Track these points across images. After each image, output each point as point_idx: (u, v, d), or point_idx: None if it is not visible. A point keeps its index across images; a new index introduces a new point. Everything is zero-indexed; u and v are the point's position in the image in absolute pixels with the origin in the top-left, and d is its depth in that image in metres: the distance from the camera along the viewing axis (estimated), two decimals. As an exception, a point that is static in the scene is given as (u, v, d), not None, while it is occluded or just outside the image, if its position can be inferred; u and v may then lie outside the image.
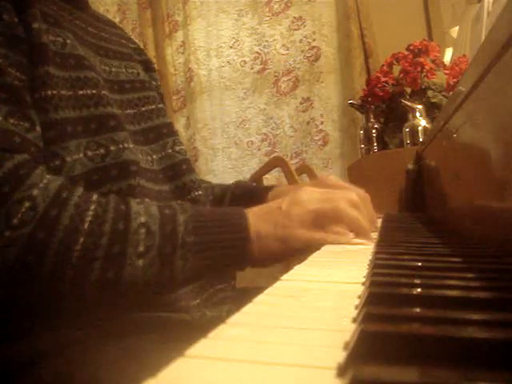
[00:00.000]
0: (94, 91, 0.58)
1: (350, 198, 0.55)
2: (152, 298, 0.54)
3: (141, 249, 0.46)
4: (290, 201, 0.54)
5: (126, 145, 0.58)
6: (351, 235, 0.53)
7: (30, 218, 0.43)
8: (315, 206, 0.54)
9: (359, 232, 0.54)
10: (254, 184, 1.06)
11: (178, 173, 0.70)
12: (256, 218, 0.52)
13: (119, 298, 0.49)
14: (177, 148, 0.72)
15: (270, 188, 0.78)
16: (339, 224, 0.53)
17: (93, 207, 0.47)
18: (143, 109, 0.71)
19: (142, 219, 0.48)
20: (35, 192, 0.45)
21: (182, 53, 2.65)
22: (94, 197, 0.48)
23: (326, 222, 0.53)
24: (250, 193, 0.79)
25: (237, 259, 0.51)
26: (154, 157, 0.68)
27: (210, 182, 0.89)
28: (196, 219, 0.50)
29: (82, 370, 0.46)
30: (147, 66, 0.83)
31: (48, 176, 0.47)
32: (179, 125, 2.61)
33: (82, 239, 0.44)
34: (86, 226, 0.45)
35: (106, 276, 0.45)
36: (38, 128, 0.51)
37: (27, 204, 0.44)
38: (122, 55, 0.73)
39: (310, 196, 0.55)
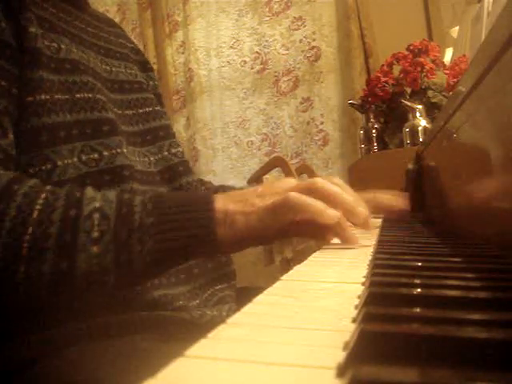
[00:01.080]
0: (89, 95, 0.58)
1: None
2: (133, 295, 0.52)
3: (95, 235, 0.43)
4: (268, 185, 0.52)
5: (119, 150, 0.58)
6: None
7: None
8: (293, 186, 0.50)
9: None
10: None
11: (175, 175, 0.70)
12: (226, 197, 0.48)
13: (80, 294, 0.44)
14: (173, 150, 0.72)
15: None
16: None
17: (43, 195, 0.44)
18: (141, 110, 0.71)
19: (97, 204, 0.44)
20: None
21: (182, 53, 2.65)
22: (49, 187, 0.46)
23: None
24: None
25: (203, 240, 0.46)
26: (152, 159, 0.68)
27: (212, 183, 0.89)
28: (156, 200, 0.46)
29: (82, 370, 0.45)
30: (144, 66, 0.83)
31: (0, 172, 0.45)
32: (179, 125, 2.61)
33: (30, 229, 0.42)
34: (35, 215, 0.42)
35: (59, 267, 0.42)
36: (11, 135, 0.50)
37: None
38: (121, 55, 0.74)
39: (288, 181, 0.52)
